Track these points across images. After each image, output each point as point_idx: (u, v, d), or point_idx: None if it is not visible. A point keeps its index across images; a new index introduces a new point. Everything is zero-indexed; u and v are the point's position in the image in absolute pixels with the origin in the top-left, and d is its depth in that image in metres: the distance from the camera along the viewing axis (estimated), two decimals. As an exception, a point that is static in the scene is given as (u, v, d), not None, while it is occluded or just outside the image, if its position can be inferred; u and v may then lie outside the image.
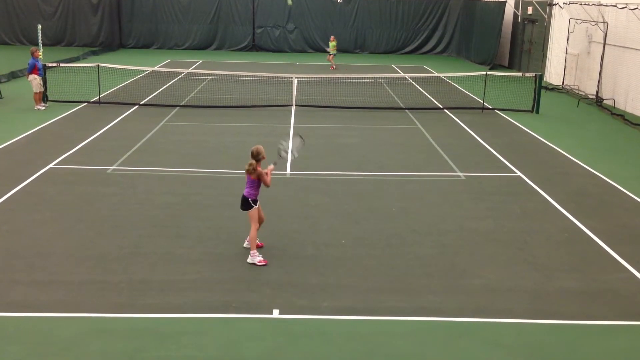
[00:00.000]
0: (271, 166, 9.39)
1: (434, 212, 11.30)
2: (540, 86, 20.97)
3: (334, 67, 31.33)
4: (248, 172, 9.09)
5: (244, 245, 9.52)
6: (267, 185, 9.20)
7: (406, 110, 20.72)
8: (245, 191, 9.20)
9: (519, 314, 7.83)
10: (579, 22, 25.10)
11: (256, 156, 9.12)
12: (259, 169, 9.10)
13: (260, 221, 9.37)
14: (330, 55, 31.68)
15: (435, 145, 16.12)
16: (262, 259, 9.07)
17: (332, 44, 31.76)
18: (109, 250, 9.36)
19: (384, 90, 24.78)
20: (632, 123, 19.34)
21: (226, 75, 25.56)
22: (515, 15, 32.80)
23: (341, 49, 39.51)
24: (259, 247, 9.39)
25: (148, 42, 39.27)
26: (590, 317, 7.83)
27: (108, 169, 13.40)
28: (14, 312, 7.61)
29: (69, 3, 38.23)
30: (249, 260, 9.06)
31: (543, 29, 29.27)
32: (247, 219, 9.31)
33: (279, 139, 9.94)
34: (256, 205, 9.18)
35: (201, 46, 39.18)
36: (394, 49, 39.59)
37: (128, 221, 10.53)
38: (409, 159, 14.95)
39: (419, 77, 26.96)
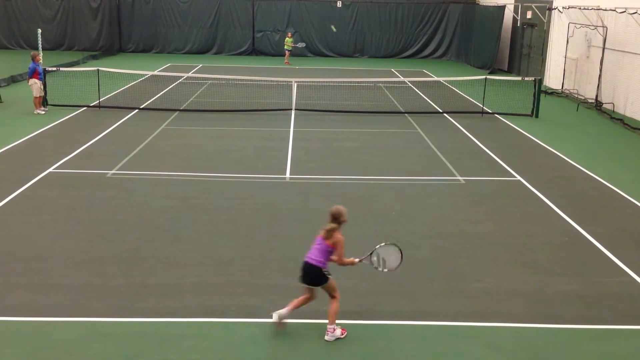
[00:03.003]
0: (356, 260, 7.46)
1: (434, 216, 11.30)
2: (539, 90, 20.98)
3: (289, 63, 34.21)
4: (325, 237, 7.25)
5: (273, 318, 7.44)
6: (339, 263, 7.36)
7: (406, 115, 20.74)
8: (314, 259, 7.25)
9: (518, 318, 7.82)
10: (578, 26, 25.14)
11: (338, 219, 7.23)
12: (338, 235, 7.25)
13: (308, 300, 7.50)
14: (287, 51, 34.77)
15: (435, 149, 16.12)
16: (342, 329, 7.42)
17: (289, 40, 34.66)
18: (109, 254, 9.35)
19: (383, 95, 24.80)
20: (631, 127, 19.35)
21: (226, 79, 25.57)
22: (515, 20, 32.85)
23: (341, 53, 39.67)
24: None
25: (148, 47, 39.30)
26: (590, 321, 7.81)
27: (107, 173, 13.40)
28: (12, 316, 7.60)
29: (68, 7, 38.29)
30: (329, 338, 7.27)
31: (542, 33, 29.31)
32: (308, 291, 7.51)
33: (379, 245, 7.59)
34: (330, 276, 7.32)
35: (201, 50, 39.21)
36: (393, 53, 39.63)
37: (127, 225, 10.52)
38: (408, 163, 14.95)
39: (419, 81, 26.99)
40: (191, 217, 10.95)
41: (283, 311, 7.38)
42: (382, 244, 7.54)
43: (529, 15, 31.00)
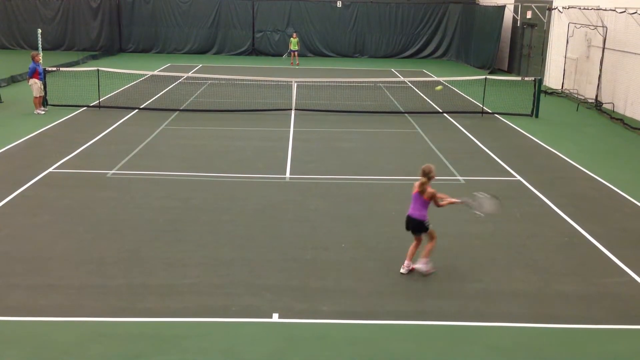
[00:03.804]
0: (456, 200, 8.95)
1: (434, 216, 11.27)
2: (539, 90, 20.98)
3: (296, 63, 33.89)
4: (420, 192, 8.67)
5: (402, 271, 8.91)
6: (438, 206, 8.80)
7: (405, 114, 20.74)
8: (416, 213, 8.74)
9: (518, 318, 7.83)
10: (578, 26, 25.14)
11: (428, 174, 8.62)
12: (430, 188, 8.66)
13: (418, 245, 8.97)
14: (291, 52, 34.59)
15: (435, 149, 16.12)
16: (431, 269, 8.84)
17: (294, 40, 34.52)
18: (108, 254, 9.35)
19: (383, 94, 24.80)
20: (631, 127, 19.35)
21: (226, 79, 25.56)
22: (515, 20, 32.85)
23: (341, 53, 39.67)
24: (412, 270, 8.94)
25: (148, 47, 39.29)
26: (590, 321, 7.82)
27: (107, 173, 13.40)
28: (12, 316, 7.60)
29: (68, 7, 38.27)
30: (422, 267, 8.74)
31: (542, 33, 29.31)
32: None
33: (477, 195, 9.10)
34: (429, 225, 8.81)
35: (201, 50, 39.20)
36: (393, 53, 39.63)
37: (127, 225, 10.52)
38: (408, 162, 14.94)
39: (418, 81, 26.99)
40: (191, 217, 10.95)
41: (406, 263, 8.88)
42: (484, 194, 8.95)
43: (528, 15, 31.00)
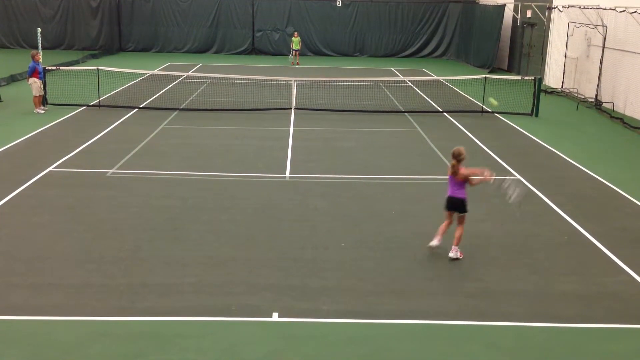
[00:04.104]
0: (490, 178, 9.40)
1: (434, 215, 11.27)
2: (539, 89, 20.97)
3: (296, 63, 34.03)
4: (453, 174, 9.29)
5: (432, 244, 9.60)
6: (472, 184, 9.42)
7: (405, 114, 20.74)
8: (455, 193, 9.40)
9: (518, 317, 7.83)
10: (578, 25, 25.14)
11: (457, 157, 9.27)
12: (463, 170, 9.27)
13: (449, 224, 9.65)
14: (294, 51, 34.56)
15: (435, 149, 16.12)
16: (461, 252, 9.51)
17: (296, 39, 34.47)
18: (108, 254, 9.35)
19: (383, 94, 24.80)
20: (631, 126, 19.35)
21: (226, 78, 25.56)
22: (515, 19, 32.85)
23: (341, 53, 39.66)
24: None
25: (147, 46, 39.29)
26: (590, 320, 7.82)
27: (107, 172, 13.40)
28: (12, 315, 7.60)
29: (68, 6, 38.27)
30: (455, 254, 9.40)
31: (542, 32, 29.31)
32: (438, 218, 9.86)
33: (509, 183, 9.68)
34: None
35: (201, 49, 39.20)
36: (393, 52, 39.63)
37: (127, 224, 10.52)
38: (408, 162, 14.95)
39: (418, 80, 26.98)
40: (191, 217, 10.95)
41: (438, 239, 9.54)
42: (514, 184, 9.52)
43: (528, 14, 31.00)
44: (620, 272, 9.18)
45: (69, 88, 22.27)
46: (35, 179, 12.78)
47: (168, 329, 7.39)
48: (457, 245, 9.42)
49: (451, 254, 9.40)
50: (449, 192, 9.52)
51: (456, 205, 9.45)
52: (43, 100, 20.05)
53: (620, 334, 7.56)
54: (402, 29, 39.55)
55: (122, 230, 10.28)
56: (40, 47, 27.73)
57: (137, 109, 20.30)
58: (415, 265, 9.24)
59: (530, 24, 30.99)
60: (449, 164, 9.45)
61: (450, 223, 9.63)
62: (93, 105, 20.59)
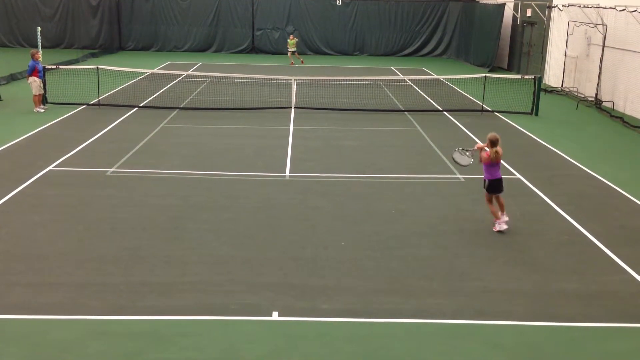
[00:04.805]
0: (477, 146, 10.76)
1: (433, 214, 11.30)
2: (539, 88, 20.97)
3: (294, 63, 33.70)
4: (498, 159, 10.29)
5: (501, 228, 10.41)
6: (480, 161, 10.64)
7: (405, 113, 20.73)
8: (498, 175, 10.38)
9: (518, 316, 7.83)
10: (578, 24, 25.12)
11: (495, 143, 10.29)
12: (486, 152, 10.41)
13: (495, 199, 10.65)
14: (290, 52, 34.14)
15: (435, 148, 16.12)
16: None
17: (292, 42, 34.08)
18: (108, 252, 9.35)
19: (383, 93, 24.79)
20: (631, 125, 19.35)
21: (225, 77, 25.55)
22: (515, 18, 32.83)
23: (340, 51, 39.65)
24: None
25: (147, 45, 39.28)
26: (589, 319, 7.82)
27: (107, 171, 13.40)
28: (12, 314, 7.60)
29: (68, 5, 38.25)
30: (503, 227, 10.37)
31: (542, 31, 29.30)
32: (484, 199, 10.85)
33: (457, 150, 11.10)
34: None
35: (200, 48, 39.20)
36: (393, 51, 39.62)
37: (127, 223, 10.52)
38: (408, 161, 14.95)
39: (418, 79, 26.97)
40: (191, 215, 10.95)
41: (504, 219, 10.41)
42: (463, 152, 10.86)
43: (528, 13, 30.98)
44: (620, 271, 9.18)
45: (69, 87, 22.27)
46: (35, 177, 12.78)
47: (168, 327, 7.39)
48: (501, 216, 10.39)
49: (503, 226, 10.33)
50: (491, 176, 10.34)
51: (501, 186, 10.37)
52: (43, 99, 20.04)
53: (620, 333, 7.56)
54: (402, 27, 39.54)
55: (122, 229, 10.28)
56: (40, 46, 27.75)
57: (137, 108, 20.29)
58: (415, 264, 9.24)
59: (530, 22, 30.98)
60: (485, 151, 10.37)
61: (496, 200, 10.53)
62: (93, 104, 20.58)
